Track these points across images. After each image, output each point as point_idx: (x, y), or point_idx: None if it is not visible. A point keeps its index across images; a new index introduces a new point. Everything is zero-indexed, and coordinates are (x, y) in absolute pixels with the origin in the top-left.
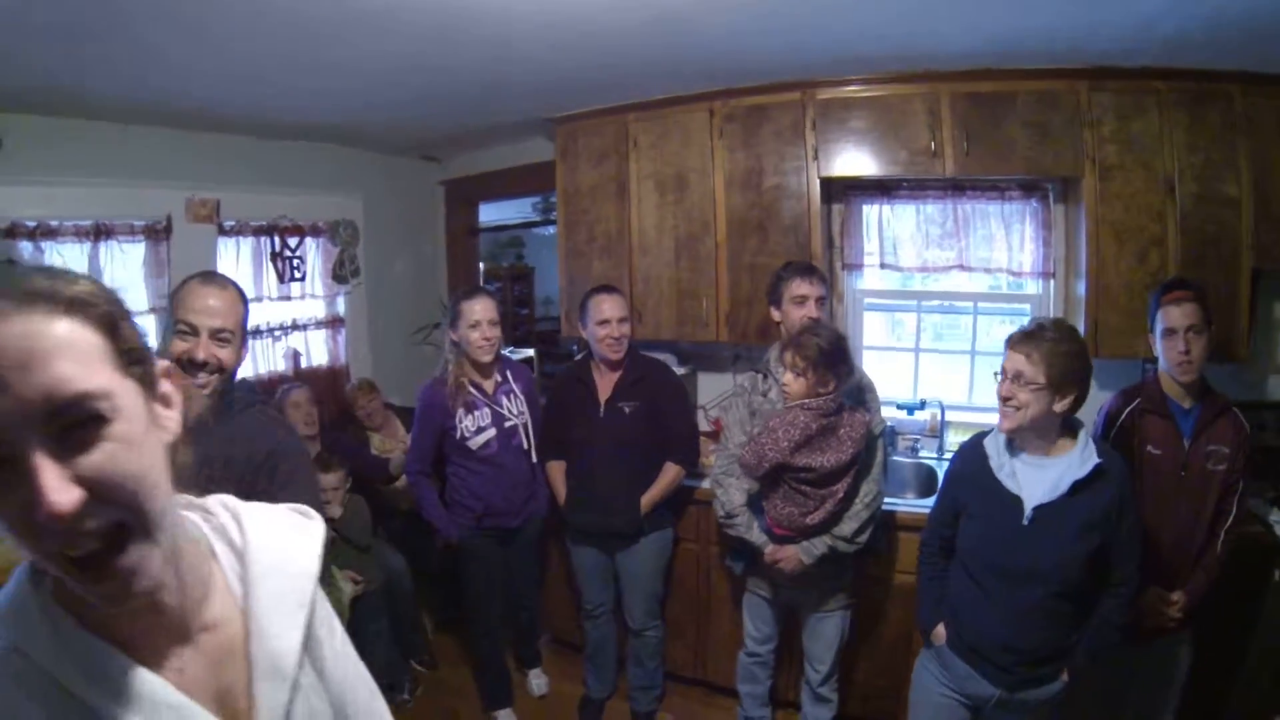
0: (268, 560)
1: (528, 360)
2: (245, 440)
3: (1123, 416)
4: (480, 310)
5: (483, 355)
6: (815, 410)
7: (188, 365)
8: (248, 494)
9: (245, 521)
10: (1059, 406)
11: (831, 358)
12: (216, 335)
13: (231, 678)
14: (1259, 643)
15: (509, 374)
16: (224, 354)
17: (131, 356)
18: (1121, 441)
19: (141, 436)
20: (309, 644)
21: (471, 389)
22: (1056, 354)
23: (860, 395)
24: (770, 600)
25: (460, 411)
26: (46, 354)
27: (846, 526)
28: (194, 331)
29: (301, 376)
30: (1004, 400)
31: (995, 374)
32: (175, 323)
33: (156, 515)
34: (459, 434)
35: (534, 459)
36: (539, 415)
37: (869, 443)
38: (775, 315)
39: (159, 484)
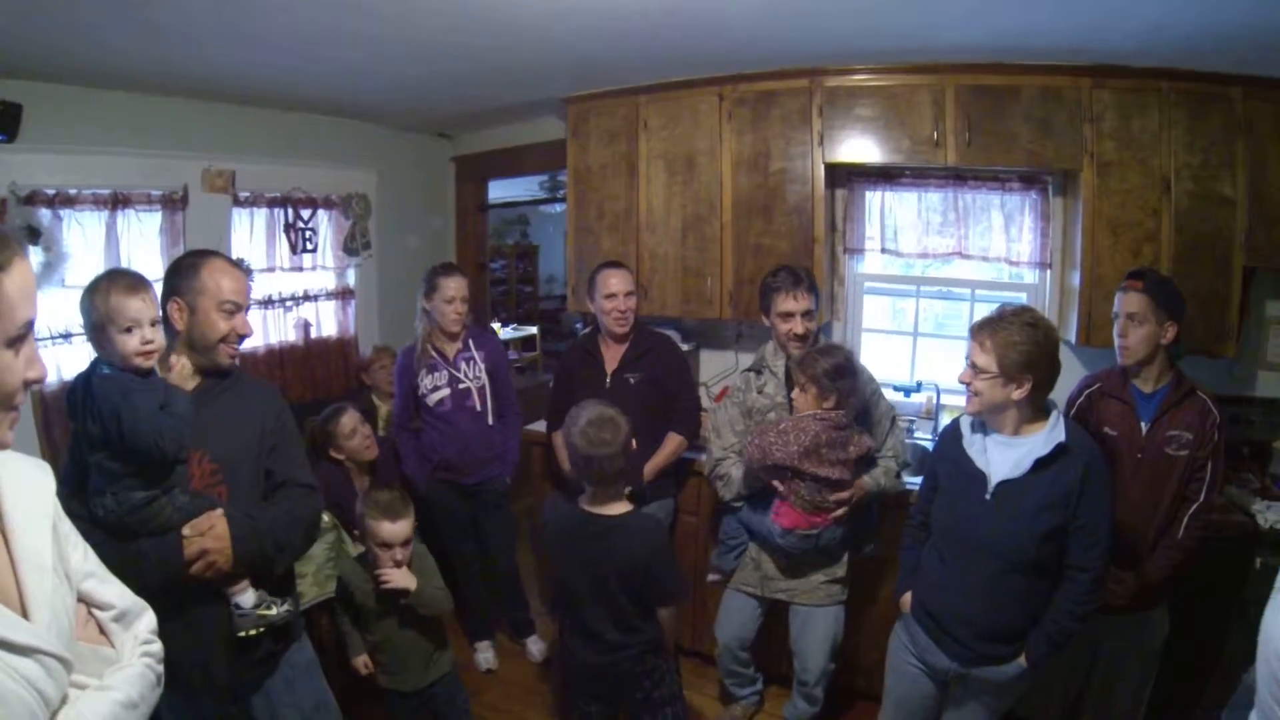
0: (13, 484)
1: (530, 337)
2: (256, 402)
3: (1080, 398)
4: (454, 287)
5: (453, 326)
6: (828, 422)
7: (235, 339)
8: (267, 448)
9: None
10: (1016, 394)
11: (835, 376)
12: (246, 310)
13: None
14: (1239, 629)
15: (471, 342)
16: (250, 326)
17: None
18: (1078, 422)
19: None
20: (59, 551)
21: (434, 353)
22: (1009, 344)
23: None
24: (758, 597)
25: (422, 372)
26: None
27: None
28: (238, 309)
29: (311, 347)
30: (965, 386)
31: (965, 358)
32: (221, 303)
33: None
34: (421, 391)
35: (490, 421)
36: (504, 383)
37: (870, 404)
38: (765, 322)
39: None
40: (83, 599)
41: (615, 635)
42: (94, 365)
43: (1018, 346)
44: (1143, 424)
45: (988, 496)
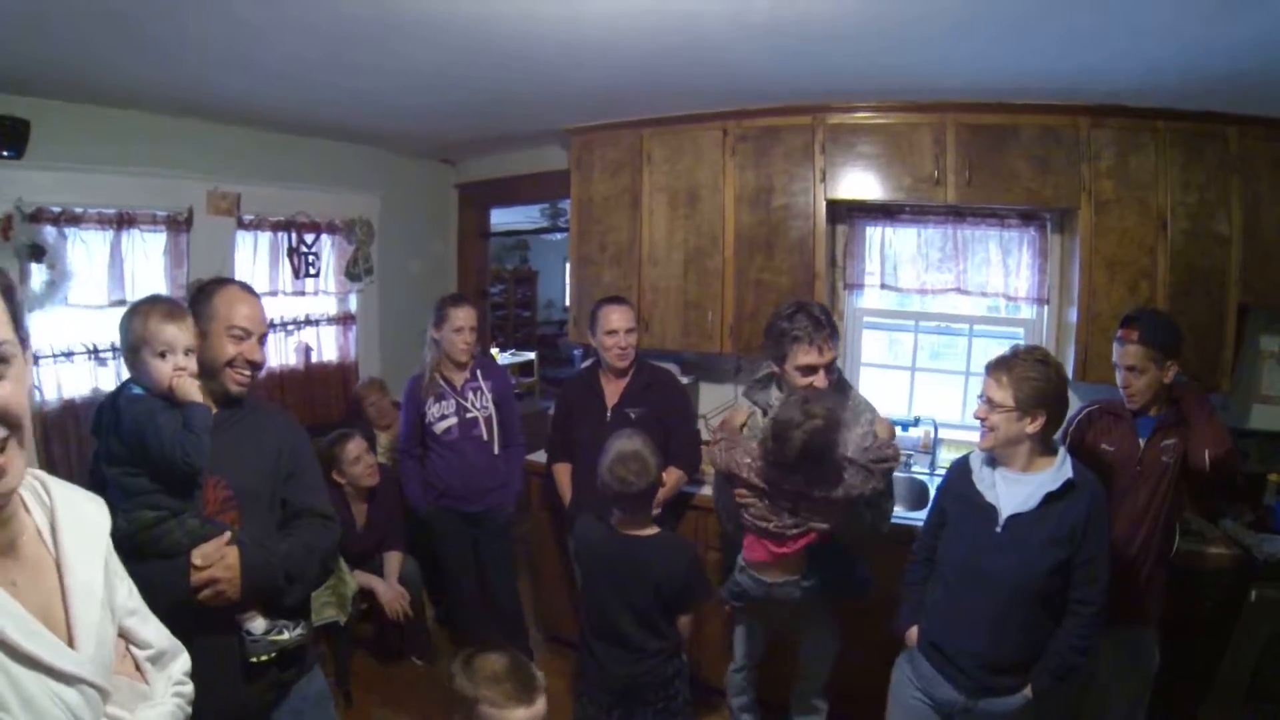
0: (71, 516)
1: (528, 363)
2: (273, 430)
3: (1080, 416)
4: (464, 317)
5: (462, 356)
6: None
7: (244, 365)
8: (283, 476)
9: (51, 487)
10: (1030, 429)
11: (805, 457)
12: (260, 339)
13: (49, 601)
14: (1231, 659)
15: (479, 372)
16: (262, 355)
17: (16, 316)
18: (1076, 439)
19: (25, 374)
20: (107, 583)
21: (442, 382)
22: (1024, 379)
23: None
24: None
25: (430, 400)
26: None
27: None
28: (247, 335)
29: (311, 371)
30: (980, 421)
31: (978, 397)
32: (229, 327)
33: (28, 432)
34: (427, 419)
35: (495, 451)
36: (510, 413)
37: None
38: (773, 368)
39: (28, 410)
40: (122, 635)
41: (652, 643)
42: (124, 385)
43: (1032, 381)
44: (1141, 440)
45: (998, 530)
